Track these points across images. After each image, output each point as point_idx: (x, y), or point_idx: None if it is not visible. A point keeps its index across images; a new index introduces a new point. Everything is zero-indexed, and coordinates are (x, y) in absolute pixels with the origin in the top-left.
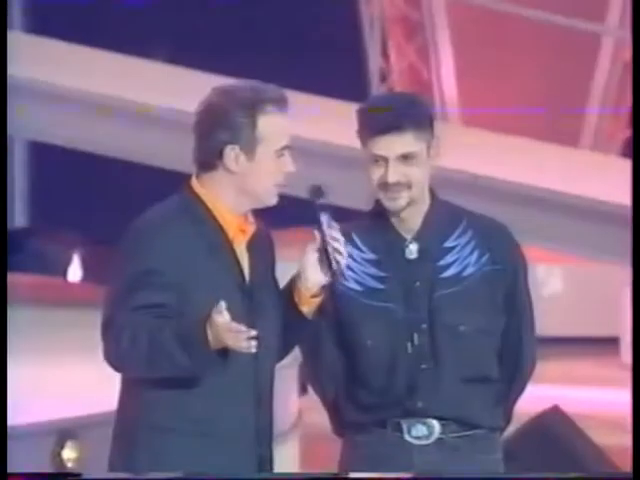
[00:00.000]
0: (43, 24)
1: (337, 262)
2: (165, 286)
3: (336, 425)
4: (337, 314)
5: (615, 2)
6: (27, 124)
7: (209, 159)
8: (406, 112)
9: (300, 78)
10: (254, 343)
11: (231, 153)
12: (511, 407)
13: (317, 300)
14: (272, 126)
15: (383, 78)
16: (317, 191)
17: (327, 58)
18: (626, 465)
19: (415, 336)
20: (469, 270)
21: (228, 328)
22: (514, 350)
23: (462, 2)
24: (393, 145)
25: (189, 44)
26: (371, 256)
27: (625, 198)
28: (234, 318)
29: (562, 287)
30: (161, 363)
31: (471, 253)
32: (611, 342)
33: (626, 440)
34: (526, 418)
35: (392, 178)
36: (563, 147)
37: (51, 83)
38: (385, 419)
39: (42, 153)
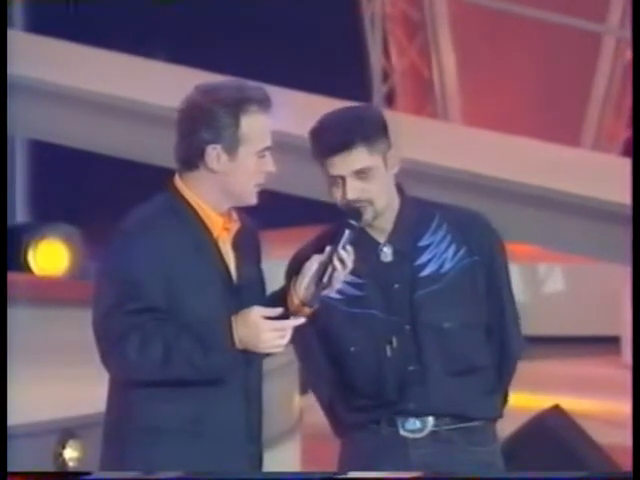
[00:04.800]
0: (43, 23)
1: (328, 284)
2: (156, 288)
3: (334, 426)
4: (320, 322)
5: (616, 2)
6: (27, 123)
7: (191, 158)
8: (353, 128)
9: (301, 78)
10: (287, 339)
11: (213, 152)
12: (505, 392)
13: (307, 310)
14: (255, 126)
15: (385, 77)
16: (356, 213)
17: (328, 57)
18: (627, 465)
19: (394, 339)
20: (447, 266)
21: (274, 328)
22: (499, 336)
23: (463, 1)
24: (346, 163)
25: (190, 43)
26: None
27: (626, 198)
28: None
29: (563, 286)
30: (180, 368)
31: (447, 248)
32: (612, 341)
33: (627, 440)
34: (527, 418)
35: (351, 195)
36: (564, 146)
37: (51, 82)
38: (379, 418)
39: (43, 151)
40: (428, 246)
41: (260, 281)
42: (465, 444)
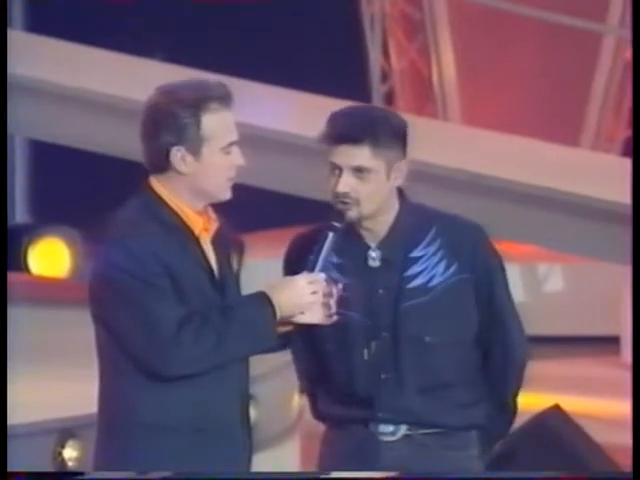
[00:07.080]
0: (43, 23)
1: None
2: (168, 282)
3: (314, 410)
4: None
5: (616, 2)
6: (27, 123)
7: (158, 161)
8: (367, 125)
9: (300, 77)
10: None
11: (177, 154)
12: (514, 400)
13: (284, 328)
14: (216, 124)
15: (384, 77)
16: (340, 214)
17: (328, 57)
18: (627, 464)
19: (373, 344)
20: (436, 280)
21: (309, 280)
22: (501, 347)
23: (463, 1)
24: (347, 155)
25: (189, 43)
26: (335, 260)
27: (625, 197)
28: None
29: (563, 286)
30: (233, 350)
31: (438, 263)
32: (612, 341)
33: (627, 439)
34: (527, 417)
35: (341, 188)
36: (563, 146)
37: (51, 82)
38: (355, 415)
39: (44, 151)
40: (420, 258)
41: (237, 280)
42: (439, 448)
